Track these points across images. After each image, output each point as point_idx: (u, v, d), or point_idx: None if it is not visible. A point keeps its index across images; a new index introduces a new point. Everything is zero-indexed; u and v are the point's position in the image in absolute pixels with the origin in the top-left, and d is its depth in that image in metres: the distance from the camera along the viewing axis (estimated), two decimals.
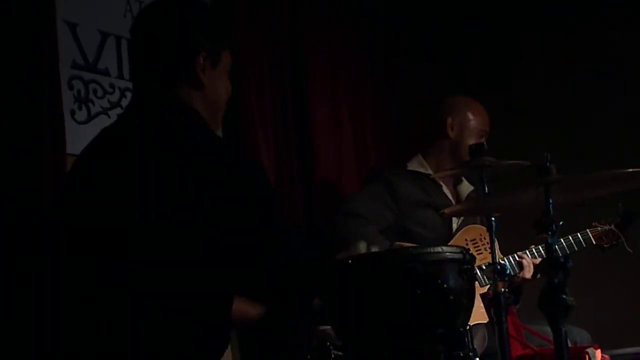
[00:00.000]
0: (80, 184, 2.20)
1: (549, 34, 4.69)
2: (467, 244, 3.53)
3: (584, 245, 3.57)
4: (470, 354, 2.10)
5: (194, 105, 2.19)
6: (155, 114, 2.19)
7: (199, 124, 2.18)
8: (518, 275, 3.46)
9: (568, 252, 3.51)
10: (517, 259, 3.48)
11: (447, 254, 2.21)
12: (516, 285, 3.47)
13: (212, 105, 2.24)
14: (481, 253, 3.52)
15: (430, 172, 3.70)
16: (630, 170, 2.28)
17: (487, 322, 3.24)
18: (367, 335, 2.17)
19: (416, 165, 3.76)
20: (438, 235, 3.57)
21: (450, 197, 3.73)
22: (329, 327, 2.34)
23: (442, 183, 3.73)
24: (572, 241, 3.55)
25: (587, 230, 3.60)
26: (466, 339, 2.13)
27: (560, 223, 2.28)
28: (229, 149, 2.24)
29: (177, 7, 2.28)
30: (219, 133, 2.37)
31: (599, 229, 3.61)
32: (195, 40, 2.20)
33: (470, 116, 3.74)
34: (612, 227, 3.60)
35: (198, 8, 2.30)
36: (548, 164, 2.27)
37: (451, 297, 2.15)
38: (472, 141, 3.59)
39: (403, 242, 3.50)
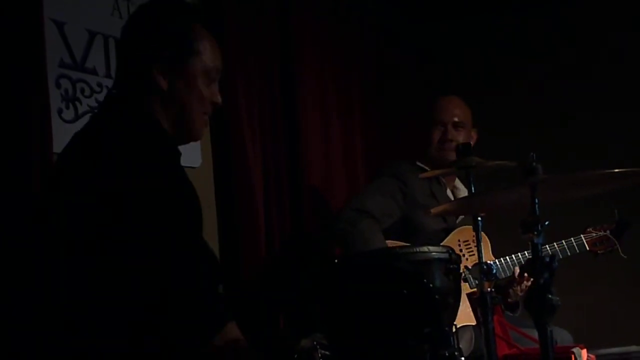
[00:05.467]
0: (48, 188, 2.30)
1: (539, 34, 4.71)
2: (459, 245, 3.53)
3: (578, 251, 3.56)
4: (456, 353, 2.10)
5: (154, 110, 2.22)
6: (99, 118, 2.28)
7: (131, 126, 2.18)
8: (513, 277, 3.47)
9: (561, 256, 3.50)
10: (509, 261, 3.49)
11: (434, 253, 2.23)
12: (504, 286, 3.49)
13: (175, 110, 2.25)
14: (473, 254, 3.52)
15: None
16: (617, 170, 2.29)
17: (475, 325, 3.25)
18: (354, 334, 2.18)
19: (421, 163, 3.75)
20: (437, 234, 3.58)
21: (452, 198, 3.74)
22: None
23: (446, 185, 3.75)
24: (566, 246, 3.54)
25: (582, 235, 3.58)
26: (452, 338, 2.13)
27: (546, 223, 2.28)
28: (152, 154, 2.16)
29: (146, 11, 2.31)
30: (195, 136, 2.33)
31: (594, 234, 3.59)
32: (154, 47, 2.22)
33: (431, 109, 3.76)
34: (607, 233, 3.58)
35: (170, 13, 2.30)
36: (534, 164, 2.28)
37: (437, 297, 2.16)
38: (433, 135, 3.67)
39: (405, 237, 3.51)
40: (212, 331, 2.05)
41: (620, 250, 3.56)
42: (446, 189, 3.74)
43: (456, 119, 3.71)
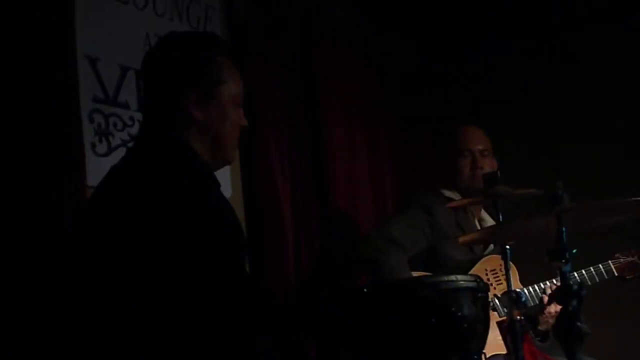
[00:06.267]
0: (84, 221, 2.34)
1: (555, 59, 4.72)
2: (486, 274, 3.52)
3: (606, 277, 3.55)
4: None
5: (190, 140, 2.27)
6: (137, 152, 2.33)
7: (176, 162, 2.22)
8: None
9: (590, 283, 3.50)
10: (537, 289, 3.49)
11: (461, 282, 2.24)
12: (534, 315, 3.48)
13: (210, 138, 2.30)
14: (501, 283, 3.51)
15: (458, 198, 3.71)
16: None
17: (505, 353, 3.24)
18: None
19: (447, 193, 3.76)
20: (463, 265, 3.58)
21: (478, 227, 3.75)
22: None
23: (474, 214, 3.75)
24: (594, 272, 3.54)
25: (610, 262, 3.58)
26: None
27: (574, 251, 2.30)
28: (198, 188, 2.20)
29: (171, 46, 2.36)
30: (229, 160, 2.39)
31: (622, 260, 3.59)
32: (184, 78, 2.28)
33: (455, 139, 3.78)
34: (636, 258, 3.58)
35: (194, 45, 2.36)
36: (560, 192, 2.30)
37: (465, 325, 2.17)
38: (462, 164, 3.67)
39: (431, 267, 3.51)
40: None
41: None
42: (474, 219, 3.75)
43: (482, 147, 3.74)
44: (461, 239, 2.72)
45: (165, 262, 2.02)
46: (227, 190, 3.54)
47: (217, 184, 2.29)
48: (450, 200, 3.69)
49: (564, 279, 2.28)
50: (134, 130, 3.17)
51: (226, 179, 3.50)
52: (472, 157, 3.71)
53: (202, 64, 2.31)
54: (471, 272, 3.51)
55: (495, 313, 3.29)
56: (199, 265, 2.03)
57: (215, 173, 2.35)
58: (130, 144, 3.11)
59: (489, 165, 3.68)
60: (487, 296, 2.31)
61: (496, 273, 3.54)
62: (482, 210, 3.81)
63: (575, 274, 3.46)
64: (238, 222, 2.25)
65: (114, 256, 2.09)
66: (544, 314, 3.43)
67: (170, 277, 2.02)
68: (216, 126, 2.31)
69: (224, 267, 2.06)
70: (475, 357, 2.16)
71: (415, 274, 3.47)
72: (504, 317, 3.21)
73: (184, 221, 2.05)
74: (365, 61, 4.41)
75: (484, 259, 3.59)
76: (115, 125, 3.12)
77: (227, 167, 3.45)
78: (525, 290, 3.47)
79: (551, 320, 3.41)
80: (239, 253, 2.19)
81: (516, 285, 3.46)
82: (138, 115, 3.18)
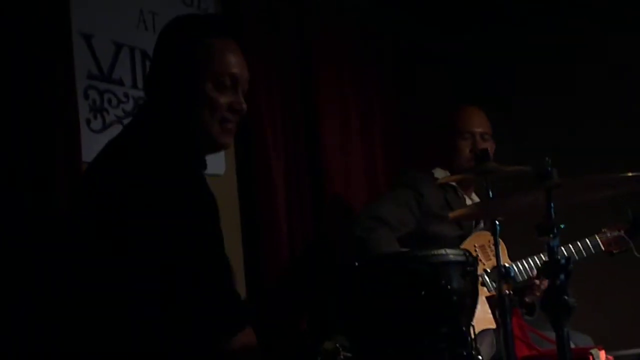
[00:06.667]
0: (75, 195, 2.39)
1: (552, 39, 4.73)
2: (475, 250, 3.56)
3: (593, 251, 3.60)
4: (473, 352, 2.16)
5: (181, 119, 2.28)
6: (130, 130, 2.35)
7: (166, 145, 2.24)
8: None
9: (577, 257, 3.55)
10: (525, 264, 3.54)
11: (451, 256, 2.28)
12: (522, 289, 3.53)
13: (192, 119, 2.30)
14: (489, 259, 3.55)
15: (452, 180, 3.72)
16: (631, 174, 2.34)
17: (495, 328, 3.29)
18: (373, 334, 2.24)
19: (440, 173, 3.76)
20: (452, 242, 3.61)
21: None
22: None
23: (464, 194, 3.77)
24: (581, 247, 3.59)
25: (596, 236, 3.63)
26: (469, 337, 2.19)
27: (562, 226, 2.33)
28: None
29: (168, 27, 2.38)
30: (219, 144, 2.36)
31: (608, 235, 3.65)
32: (174, 59, 2.30)
33: (455, 120, 3.77)
34: (622, 233, 3.63)
35: (199, 26, 2.38)
36: (549, 169, 2.34)
37: (455, 298, 2.21)
38: (461, 146, 3.67)
39: (421, 246, 3.53)
40: (229, 332, 2.11)
41: (634, 250, 3.60)
42: (465, 201, 3.76)
43: (483, 130, 3.73)
44: (452, 214, 2.75)
45: (144, 239, 2.08)
46: (220, 167, 3.57)
47: (201, 165, 2.32)
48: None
49: (552, 253, 2.32)
50: (129, 106, 3.20)
51: (220, 157, 3.53)
52: (472, 140, 3.70)
53: (188, 42, 2.32)
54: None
55: (485, 288, 3.33)
56: (177, 243, 2.08)
57: None
58: (125, 121, 3.15)
59: (489, 147, 3.61)
60: (476, 270, 2.35)
61: (485, 249, 3.57)
62: (473, 193, 3.83)
63: (563, 249, 3.51)
64: (214, 201, 2.26)
65: (100, 231, 2.14)
66: (532, 288, 3.48)
67: (147, 251, 2.08)
68: (195, 107, 2.29)
69: (193, 235, 2.11)
70: (464, 329, 2.20)
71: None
72: (493, 292, 3.26)
73: (164, 202, 2.10)
74: (360, 41, 4.42)
75: (472, 236, 3.63)
76: (110, 101, 3.15)
77: None
78: (514, 265, 3.51)
79: (539, 294, 3.46)
80: (210, 229, 2.21)
81: (505, 261, 3.50)
82: (133, 92, 3.21)
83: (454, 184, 3.73)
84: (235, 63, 2.33)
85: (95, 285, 2.14)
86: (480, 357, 2.21)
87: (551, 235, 2.33)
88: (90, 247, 2.16)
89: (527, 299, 3.55)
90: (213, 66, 2.30)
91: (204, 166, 2.33)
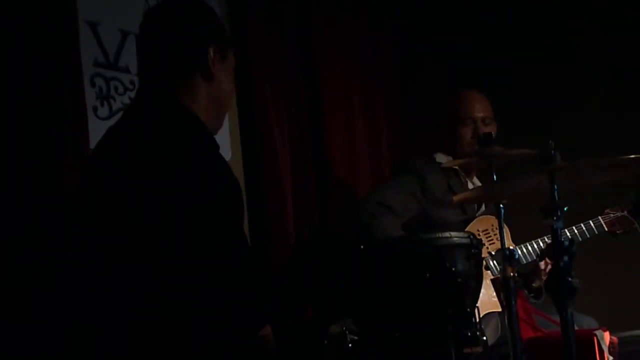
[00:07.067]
0: (83, 183, 2.37)
1: (555, 26, 4.73)
2: (479, 234, 3.55)
3: (596, 232, 3.60)
4: (478, 333, 2.19)
5: (189, 102, 2.27)
6: (137, 113, 2.33)
7: (183, 124, 2.23)
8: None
9: (581, 239, 3.56)
10: (529, 247, 3.56)
11: (455, 239, 2.30)
12: (527, 273, 3.55)
13: (216, 100, 2.32)
14: (493, 243, 3.56)
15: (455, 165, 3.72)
16: (634, 156, 2.36)
17: (500, 311, 3.31)
18: (379, 317, 2.27)
19: (442, 157, 3.76)
20: (456, 226, 3.62)
21: None
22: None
23: (467, 179, 3.78)
24: (584, 228, 3.60)
25: (599, 217, 3.64)
26: (473, 319, 2.21)
27: (565, 208, 2.35)
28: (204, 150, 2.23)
29: (185, 4, 2.38)
30: (219, 126, 2.40)
31: (612, 215, 3.64)
32: (206, 32, 2.30)
33: (456, 105, 3.76)
34: (625, 213, 3.64)
35: (204, 6, 2.40)
36: (552, 152, 2.35)
37: (459, 280, 2.24)
38: (463, 131, 3.68)
39: (425, 230, 3.54)
40: (250, 331, 2.12)
41: (639, 230, 3.61)
42: (467, 185, 3.76)
43: (484, 114, 3.72)
44: (455, 198, 2.77)
45: (163, 222, 2.06)
46: (226, 153, 3.59)
47: (217, 146, 2.31)
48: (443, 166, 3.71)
49: (556, 235, 2.34)
50: (134, 93, 3.22)
51: (226, 143, 3.55)
52: (474, 125, 3.69)
53: (218, 23, 2.36)
54: None
55: (489, 272, 3.35)
56: (196, 224, 2.07)
57: (215, 137, 2.36)
58: None
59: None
60: (480, 253, 2.37)
61: (488, 233, 3.58)
62: (475, 177, 3.85)
63: (567, 231, 3.52)
64: (237, 183, 2.26)
65: (114, 216, 2.14)
66: (537, 271, 3.50)
67: (166, 236, 2.06)
68: (222, 88, 2.33)
69: (221, 227, 2.10)
70: (469, 311, 2.23)
71: None
72: (498, 275, 3.29)
73: (183, 181, 2.09)
74: (363, 26, 4.42)
75: (476, 220, 3.63)
76: (116, 89, 3.17)
77: (227, 132, 3.52)
78: (518, 248, 3.53)
79: (544, 277, 3.48)
80: (237, 213, 2.21)
81: (509, 244, 3.51)
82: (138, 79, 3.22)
83: (457, 167, 3.74)
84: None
85: (122, 275, 2.12)
86: (485, 338, 2.23)
87: (555, 218, 2.35)
88: (116, 237, 2.13)
89: (533, 284, 3.56)
90: (232, 54, 2.36)
91: (218, 146, 2.32)
